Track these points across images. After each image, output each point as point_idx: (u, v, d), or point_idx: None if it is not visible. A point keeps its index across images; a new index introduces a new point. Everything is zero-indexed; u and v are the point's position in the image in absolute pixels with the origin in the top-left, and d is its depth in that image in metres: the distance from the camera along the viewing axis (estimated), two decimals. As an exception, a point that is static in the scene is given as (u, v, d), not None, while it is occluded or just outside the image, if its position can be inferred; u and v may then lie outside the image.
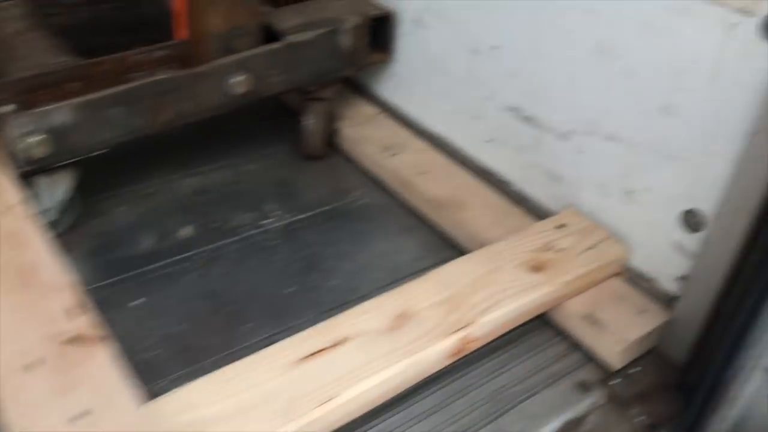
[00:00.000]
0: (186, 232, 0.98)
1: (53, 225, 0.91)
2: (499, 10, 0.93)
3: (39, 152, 0.85)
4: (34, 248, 0.74)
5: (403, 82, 1.15)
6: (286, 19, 1.05)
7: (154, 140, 0.96)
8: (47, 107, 0.86)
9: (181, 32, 1.03)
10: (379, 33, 1.11)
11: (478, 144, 1.04)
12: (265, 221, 1.01)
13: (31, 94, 0.91)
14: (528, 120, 0.94)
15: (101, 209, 1.00)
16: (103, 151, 0.92)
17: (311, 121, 1.11)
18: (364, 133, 1.14)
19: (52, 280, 0.70)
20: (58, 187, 0.92)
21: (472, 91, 1.01)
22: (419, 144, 1.12)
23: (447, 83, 1.06)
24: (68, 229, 0.95)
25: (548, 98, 0.91)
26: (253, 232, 0.99)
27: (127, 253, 0.94)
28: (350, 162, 1.14)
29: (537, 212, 0.97)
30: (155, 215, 1.00)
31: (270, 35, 1.03)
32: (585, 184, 0.90)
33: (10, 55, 0.97)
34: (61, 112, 0.86)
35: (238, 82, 0.98)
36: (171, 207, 1.02)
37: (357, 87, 1.23)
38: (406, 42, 1.11)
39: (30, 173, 0.87)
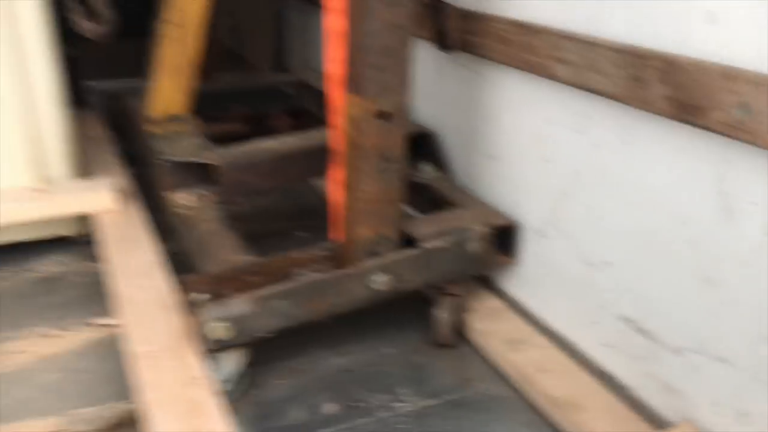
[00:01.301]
0: (330, 408, 1.12)
1: (229, 394, 1.09)
2: (613, 231, 1.05)
3: (223, 335, 1.06)
4: (212, 416, 0.91)
5: (527, 281, 1.28)
6: (422, 228, 1.23)
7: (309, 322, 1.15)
8: (230, 299, 1.08)
9: (336, 234, 1.25)
10: (505, 239, 1.26)
11: (596, 347, 1.12)
12: (398, 404, 1.13)
13: (220, 285, 1.14)
14: (642, 332, 1.02)
15: (260, 381, 1.18)
16: (270, 335, 1.11)
17: (442, 314, 1.26)
18: (489, 326, 1.26)
19: (224, 450, 0.86)
20: (234, 363, 1.11)
21: (589, 298, 1.12)
22: (541, 340, 1.21)
23: (565, 288, 1.17)
24: (238, 398, 1.13)
25: (659, 314, 0.99)
26: (387, 414, 1.11)
27: (279, 423, 1.09)
28: (476, 352, 1.25)
29: (654, 421, 1.01)
30: (305, 390, 1.17)
31: (408, 240, 1.21)
32: (700, 400, 0.94)
33: (205, 252, 1.23)
34: (241, 304, 1.07)
35: (381, 282, 1.16)
36: (319, 383, 1.18)
37: (485, 282, 1.37)
38: (529, 249, 1.25)
39: (213, 351, 1.08)
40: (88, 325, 1.33)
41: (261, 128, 2.02)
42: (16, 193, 1.44)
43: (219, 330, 1.05)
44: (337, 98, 1.11)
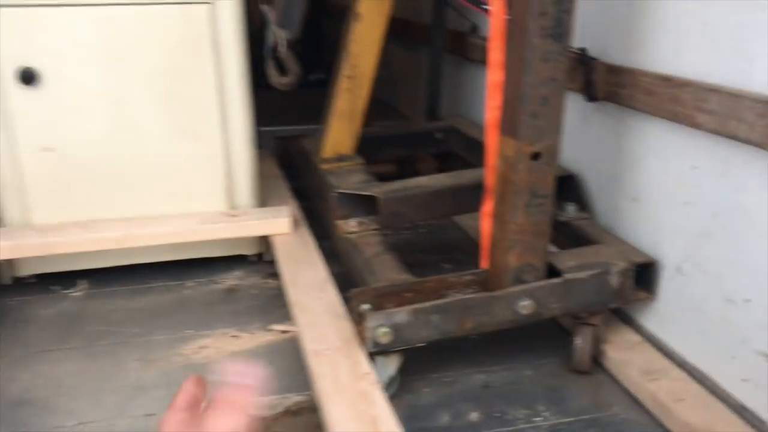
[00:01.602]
0: (473, 417, 1.25)
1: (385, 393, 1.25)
2: (752, 270, 1.11)
3: (384, 340, 1.23)
4: (378, 405, 1.07)
5: (664, 317, 1.34)
6: (565, 260, 1.34)
7: (456, 340, 1.29)
8: (392, 310, 1.24)
9: (485, 263, 1.39)
10: (644, 276, 1.34)
11: (734, 381, 1.17)
12: (536, 418, 1.23)
13: (382, 298, 1.31)
14: (781, 366, 1.07)
15: (412, 388, 1.33)
16: (422, 344, 1.26)
17: (580, 342, 1.35)
18: (626, 357, 1.33)
19: (390, 429, 1.01)
20: (390, 366, 1.27)
21: (728, 334, 1.17)
22: (678, 372, 1.27)
23: (703, 323, 1.23)
24: (389, 399, 1.28)
25: (799, 349, 1.03)
26: (525, 426, 1.22)
27: (427, 424, 1.23)
28: (612, 380, 1.33)
29: (792, 454, 1.04)
30: (450, 399, 1.30)
31: (552, 271, 1.33)
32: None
33: (370, 271, 1.42)
34: (401, 314, 1.24)
35: (524, 306, 1.28)
36: (462, 394, 1.31)
37: (622, 316, 1.45)
38: (667, 286, 1.32)
39: (374, 354, 1.25)
40: (268, 330, 1.55)
41: (409, 169, 2.24)
42: (213, 216, 1.72)
43: (381, 335, 1.22)
44: (494, 140, 1.27)
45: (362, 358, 1.21)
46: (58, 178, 1.65)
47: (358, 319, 1.27)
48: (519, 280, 1.30)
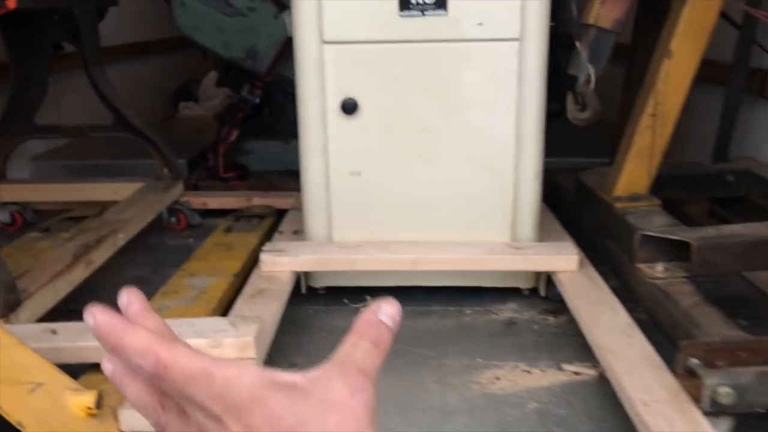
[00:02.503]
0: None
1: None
2: None
3: (725, 400, 1.14)
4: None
5: None
6: None
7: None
8: (734, 369, 1.15)
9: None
10: None
11: None
12: None
13: (711, 354, 1.22)
14: None
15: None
16: (763, 410, 1.15)
17: None
18: None
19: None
20: (720, 429, 1.18)
21: None
22: None
23: None
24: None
25: None
26: None
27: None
28: None
29: None
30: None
31: None
32: None
33: (693, 323, 1.33)
34: (745, 375, 1.14)
35: None
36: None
37: None
38: None
39: (709, 414, 1.16)
40: (559, 369, 1.52)
41: (676, 212, 2.10)
42: (499, 247, 1.74)
43: (724, 395, 1.13)
44: None
45: (699, 417, 1.13)
46: (360, 200, 1.77)
47: (687, 374, 1.19)
48: None
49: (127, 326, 0.39)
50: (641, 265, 1.52)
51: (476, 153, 1.71)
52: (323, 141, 1.71)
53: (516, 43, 1.63)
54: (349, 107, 1.67)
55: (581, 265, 1.72)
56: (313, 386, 0.39)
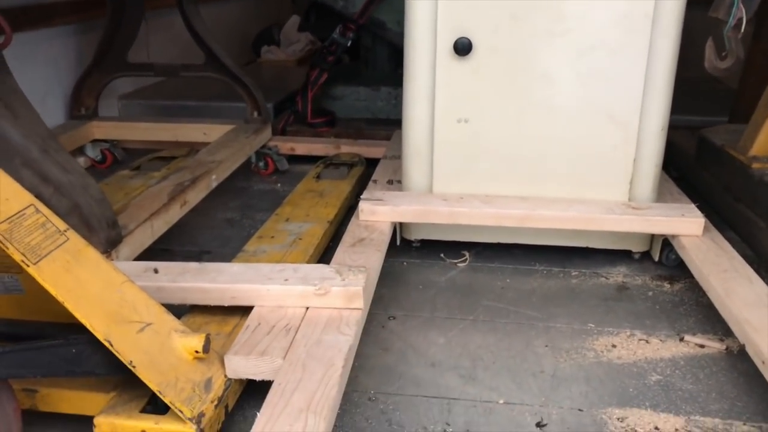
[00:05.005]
0: None
1: None
2: None
3: None
4: None
5: None
6: None
7: None
8: None
9: None
10: None
11: None
12: None
13: None
14: None
15: None
16: None
17: None
18: None
19: None
20: None
21: None
22: None
23: None
24: None
25: None
26: None
27: None
28: None
29: None
30: None
31: None
32: None
33: None
34: None
35: None
36: None
37: None
38: None
39: None
40: (681, 340, 1.40)
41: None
42: (616, 207, 1.61)
43: None
44: None
45: None
46: (465, 150, 1.66)
47: None
48: None
49: None
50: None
51: (599, 102, 1.57)
52: (431, 84, 1.60)
53: (653, -19, 1.46)
54: (463, 48, 1.55)
55: (706, 229, 1.57)
56: None
